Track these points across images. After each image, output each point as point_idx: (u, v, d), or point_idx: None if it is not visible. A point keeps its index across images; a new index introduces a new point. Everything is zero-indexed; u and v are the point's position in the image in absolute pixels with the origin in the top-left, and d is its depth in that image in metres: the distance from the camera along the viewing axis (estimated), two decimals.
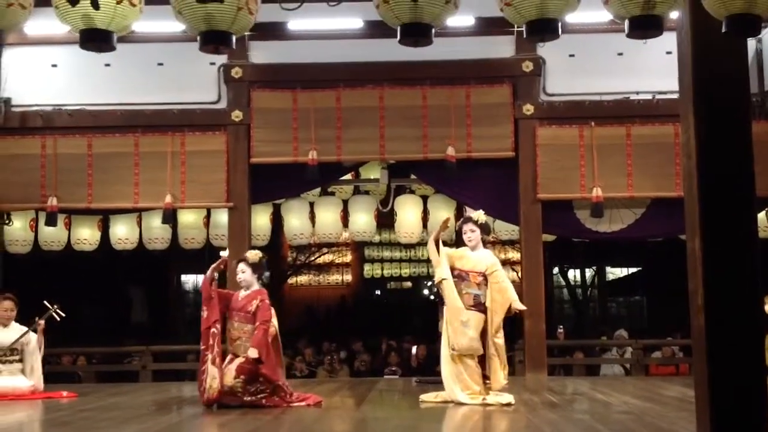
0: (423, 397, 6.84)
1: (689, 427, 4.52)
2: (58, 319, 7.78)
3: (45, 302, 7.78)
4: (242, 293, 6.66)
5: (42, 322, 7.70)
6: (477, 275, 6.70)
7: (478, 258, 6.78)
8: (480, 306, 6.63)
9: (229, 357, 6.55)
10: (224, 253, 6.89)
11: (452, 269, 6.76)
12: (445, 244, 6.98)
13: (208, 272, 6.61)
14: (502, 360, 6.62)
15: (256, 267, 6.70)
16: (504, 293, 6.64)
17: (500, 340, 6.62)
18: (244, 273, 6.66)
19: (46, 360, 8.84)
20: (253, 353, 6.32)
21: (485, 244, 6.92)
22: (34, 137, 9.77)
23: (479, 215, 6.87)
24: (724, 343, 3.49)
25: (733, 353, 3.47)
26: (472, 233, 6.80)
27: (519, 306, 6.68)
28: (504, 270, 6.88)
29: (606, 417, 5.76)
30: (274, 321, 6.71)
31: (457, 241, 7.22)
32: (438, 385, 7.06)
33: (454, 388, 6.57)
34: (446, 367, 6.65)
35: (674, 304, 11.65)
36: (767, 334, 9.83)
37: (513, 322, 9.91)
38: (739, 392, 3.43)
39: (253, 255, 6.75)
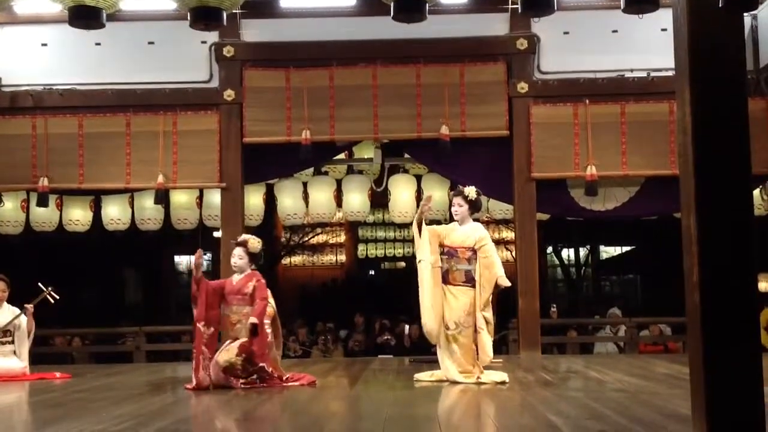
0: (417, 376, 6.85)
1: (684, 405, 4.53)
2: (53, 301, 7.75)
3: (39, 284, 7.75)
4: (236, 277, 6.63)
5: (30, 306, 7.67)
6: (466, 250, 6.66)
7: (465, 233, 6.73)
8: (472, 281, 6.61)
9: (228, 341, 6.55)
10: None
11: (441, 246, 6.73)
12: (438, 222, 6.97)
13: (194, 270, 6.56)
14: (491, 334, 6.62)
15: (253, 256, 6.66)
16: (491, 268, 6.58)
17: (489, 314, 6.60)
18: (241, 259, 6.62)
19: (39, 341, 8.84)
20: (252, 319, 6.31)
21: (476, 221, 6.91)
22: (24, 117, 9.70)
23: (470, 191, 6.76)
24: (720, 320, 3.47)
25: (729, 331, 3.46)
26: (459, 207, 6.75)
27: (504, 282, 6.60)
28: (493, 244, 6.81)
29: (600, 394, 5.77)
30: (272, 302, 6.69)
31: (451, 218, 7.19)
32: (432, 364, 7.08)
33: (449, 367, 6.58)
34: (441, 345, 6.66)
35: (668, 283, 11.68)
36: (762, 312, 9.87)
37: (506, 301, 9.94)
38: (735, 370, 3.42)
39: (255, 244, 6.67)
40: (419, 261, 6.66)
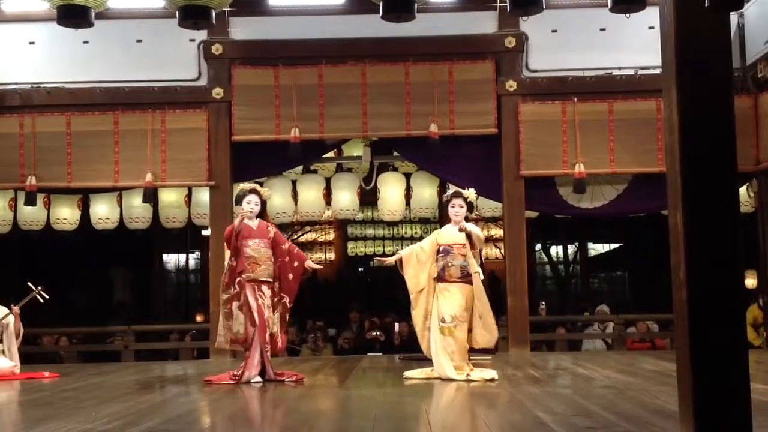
0: (407, 373, 6.88)
1: (671, 401, 4.56)
2: (42, 301, 7.72)
3: (29, 284, 7.71)
4: (251, 222, 6.92)
5: (16, 308, 7.65)
6: (461, 247, 6.87)
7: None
8: (468, 277, 6.80)
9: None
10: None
11: (438, 245, 6.95)
12: (427, 220, 7.09)
13: (236, 223, 6.87)
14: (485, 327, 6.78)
15: (264, 203, 7.13)
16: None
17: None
18: (257, 205, 7.02)
19: (27, 340, 8.81)
20: (311, 263, 7.05)
21: (467, 220, 7.05)
22: (11, 116, 9.64)
23: (470, 194, 7.05)
24: (707, 317, 3.50)
25: (716, 328, 3.49)
26: (461, 209, 6.98)
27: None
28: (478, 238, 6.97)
29: (588, 391, 5.80)
30: None
31: (440, 219, 7.29)
32: (422, 361, 7.10)
33: (443, 362, 6.62)
34: (436, 339, 6.70)
35: (655, 280, 11.73)
36: (749, 309, 9.92)
37: (496, 299, 9.95)
38: (721, 367, 3.44)
39: (265, 192, 7.15)
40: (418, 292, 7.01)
